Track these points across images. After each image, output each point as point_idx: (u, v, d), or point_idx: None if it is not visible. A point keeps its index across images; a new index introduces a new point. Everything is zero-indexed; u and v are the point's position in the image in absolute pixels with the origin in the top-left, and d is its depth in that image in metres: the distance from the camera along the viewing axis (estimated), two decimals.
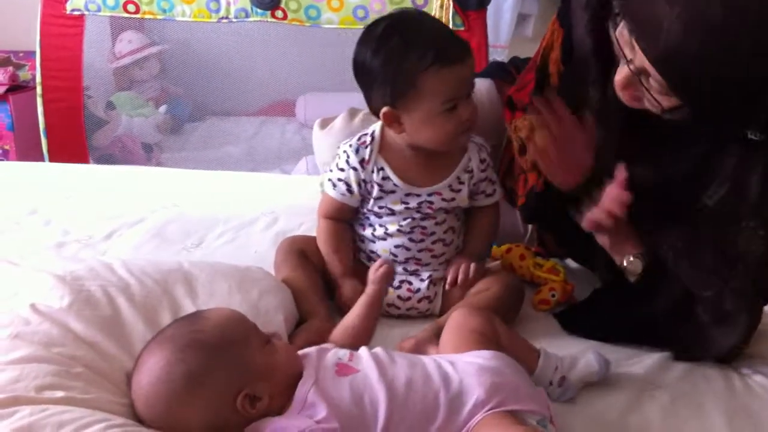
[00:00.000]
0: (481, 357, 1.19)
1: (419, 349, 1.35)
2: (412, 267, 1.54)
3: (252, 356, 1.11)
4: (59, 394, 1.05)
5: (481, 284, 1.50)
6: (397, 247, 1.53)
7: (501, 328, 1.30)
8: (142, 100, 3.34)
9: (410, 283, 1.53)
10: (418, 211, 1.51)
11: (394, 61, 1.38)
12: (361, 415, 1.08)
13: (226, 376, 1.08)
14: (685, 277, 1.38)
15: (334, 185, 1.52)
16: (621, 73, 1.25)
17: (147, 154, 3.18)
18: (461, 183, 1.52)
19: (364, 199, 1.52)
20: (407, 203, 1.50)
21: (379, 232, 1.53)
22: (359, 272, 1.53)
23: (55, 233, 1.72)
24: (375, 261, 1.53)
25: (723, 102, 1.16)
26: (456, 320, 1.30)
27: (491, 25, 3.01)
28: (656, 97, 1.21)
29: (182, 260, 1.41)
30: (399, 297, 1.53)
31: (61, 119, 2.82)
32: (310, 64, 3.22)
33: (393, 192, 1.50)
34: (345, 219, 1.56)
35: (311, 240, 1.58)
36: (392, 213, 1.51)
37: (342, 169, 1.51)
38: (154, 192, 2.02)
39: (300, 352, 1.20)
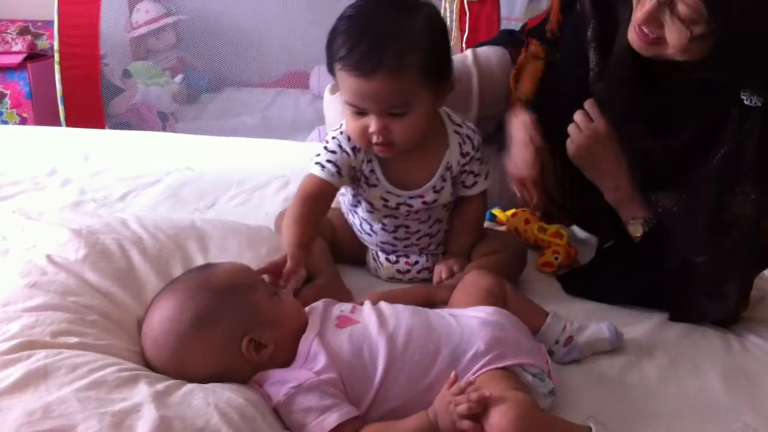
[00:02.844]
0: (484, 312, 1.22)
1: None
2: (402, 253, 1.55)
3: (259, 303, 1.15)
4: (74, 339, 1.08)
5: (485, 247, 1.52)
6: (383, 243, 1.54)
7: (510, 291, 1.34)
8: (159, 69, 3.38)
9: (407, 256, 1.54)
10: (397, 210, 1.48)
11: (333, 35, 1.33)
12: (360, 365, 1.11)
13: (233, 318, 1.11)
14: (680, 242, 1.41)
15: (323, 167, 1.42)
16: (644, 8, 1.27)
17: (162, 122, 3.22)
18: (444, 181, 1.47)
19: (353, 182, 1.47)
20: (387, 200, 1.47)
21: (366, 227, 1.53)
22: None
23: (73, 193, 1.76)
24: (370, 249, 1.57)
25: (749, 28, 1.19)
26: (468, 280, 1.34)
27: None
28: (683, 28, 1.22)
29: (195, 218, 1.45)
30: (398, 271, 1.54)
31: (78, 87, 2.85)
32: (324, 35, 3.23)
33: (375, 186, 1.46)
34: (322, 202, 1.45)
35: None
36: (372, 207, 1.49)
37: (333, 152, 1.43)
38: (169, 156, 2.05)
39: (307, 307, 1.24)
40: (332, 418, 1.05)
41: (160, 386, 1.02)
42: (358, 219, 1.54)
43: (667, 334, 1.42)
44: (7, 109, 3.23)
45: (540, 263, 1.62)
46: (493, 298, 1.28)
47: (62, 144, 2.09)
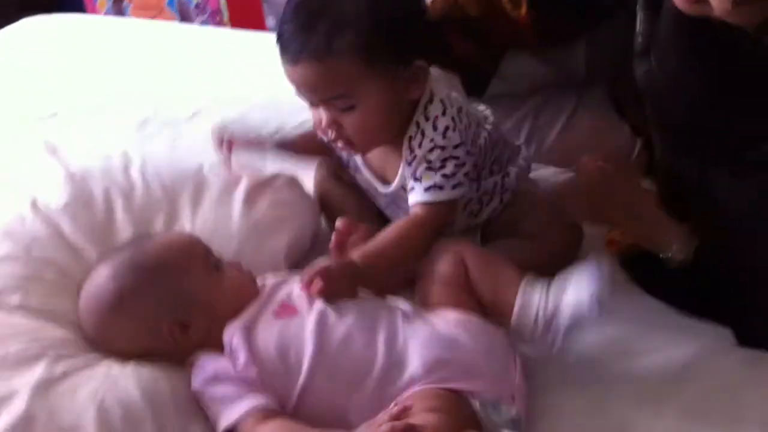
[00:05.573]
0: (444, 320, 1.07)
1: None
2: None
3: (190, 284, 1.09)
4: (15, 301, 1.10)
5: (530, 226, 1.30)
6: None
7: (473, 268, 1.12)
8: None
9: None
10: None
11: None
12: (283, 368, 1.03)
13: (155, 301, 1.07)
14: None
15: None
16: None
17: None
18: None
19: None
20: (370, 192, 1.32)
21: None
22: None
23: (147, 109, 1.74)
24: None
25: None
26: (426, 267, 1.15)
27: None
28: None
29: (205, 163, 1.37)
30: None
31: None
32: None
33: (359, 173, 1.31)
34: None
35: None
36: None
37: None
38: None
39: (261, 281, 1.15)
40: (240, 406, 0.99)
41: (58, 369, 1.00)
42: None
43: (720, 360, 1.14)
44: None
45: (608, 239, 1.36)
46: (453, 291, 1.10)
47: (173, 45, 2.05)
